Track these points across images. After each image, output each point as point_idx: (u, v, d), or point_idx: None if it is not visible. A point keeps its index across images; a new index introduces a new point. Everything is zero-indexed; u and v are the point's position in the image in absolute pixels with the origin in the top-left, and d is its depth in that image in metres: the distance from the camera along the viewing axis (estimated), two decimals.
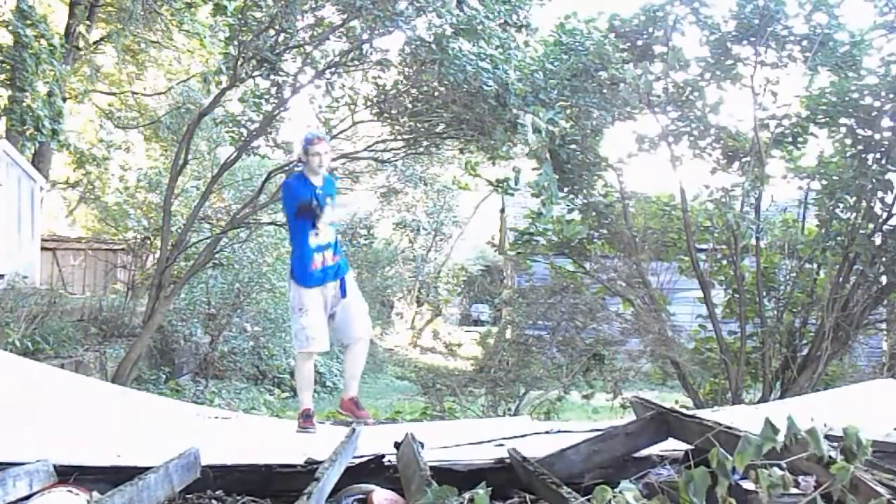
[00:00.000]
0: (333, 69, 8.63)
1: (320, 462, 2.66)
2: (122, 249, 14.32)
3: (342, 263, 4.72)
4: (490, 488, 2.16)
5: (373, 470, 2.81)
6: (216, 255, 9.68)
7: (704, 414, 4.17)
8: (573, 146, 7.72)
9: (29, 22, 8.15)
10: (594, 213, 8.17)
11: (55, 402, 3.99)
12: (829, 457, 1.91)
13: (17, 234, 11.51)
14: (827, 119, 7.25)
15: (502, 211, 19.38)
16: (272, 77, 8.46)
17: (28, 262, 11.74)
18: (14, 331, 7.48)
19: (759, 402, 7.01)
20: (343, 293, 4.63)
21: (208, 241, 9.51)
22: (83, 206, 20.17)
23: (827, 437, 2.57)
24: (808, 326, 7.66)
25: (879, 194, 7.13)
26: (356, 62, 8.65)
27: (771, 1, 6.95)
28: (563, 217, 8.46)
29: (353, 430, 3.18)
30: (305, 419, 4.49)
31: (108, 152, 17.86)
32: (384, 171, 15.34)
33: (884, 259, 7.19)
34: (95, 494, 2.37)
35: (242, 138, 8.99)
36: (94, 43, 14.50)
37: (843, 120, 7.22)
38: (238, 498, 2.66)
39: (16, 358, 5.04)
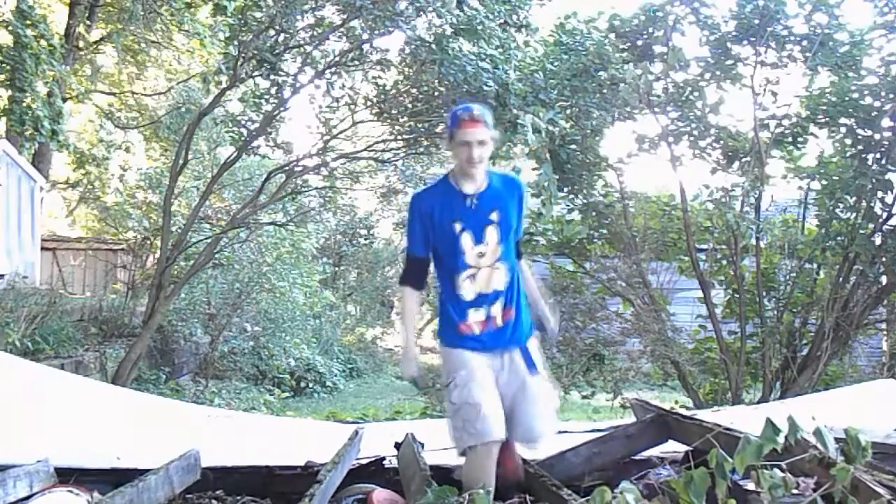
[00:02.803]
0: (333, 69, 8.63)
1: (321, 464, 2.67)
2: (122, 249, 14.32)
3: (523, 324, 2.79)
4: (490, 489, 2.16)
5: (373, 472, 2.81)
6: (216, 255, 9.68)
7: (704, 414, 4.18)
8: (573, 146, 7.72)
9: (29, 22, 8.13)
10: (594, 213, 8.17)
11: (55, 402, 3.99)
12: (830, 458, 1.92)
13: (17, 234, 11.51)
14: (827, 119, 7.25)
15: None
16: (272, 77, 8.46)
17: (28, 262, 11.75)
18: (14, 331, 7.47)
19: (759, 402, 7.01)
20: (532, 368, 2.73)
21: (208, 241, 9.51)
22: (83, 206, 20.16)
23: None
24: (808, 326, 7.66)
25: (879, 194, 7.13)
26: (356, 62, 8.66)
27: (771, 1, 6.94)
28: (563, 217, 8.46)
29: (356, 432, 3.18)
30: None
31: (108, 152, 17.85)
32: (384, 171, 15.32)
33: (884, 259, 7.19)
34: (96, 495, 2.38)
35: (242, 138, 8.99)
36: (94, 43, 14.50)
37: (843, 120, 7.22)
38: (238, 498, 2.67)
39: (16, 358, 5.03)
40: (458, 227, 2.71)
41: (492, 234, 2.72)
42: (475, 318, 2.72)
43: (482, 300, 2.72)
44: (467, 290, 2.72)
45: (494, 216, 2.73)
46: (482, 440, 2.51)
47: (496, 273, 2.73)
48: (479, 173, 2.73)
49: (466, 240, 2.71)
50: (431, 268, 2.91)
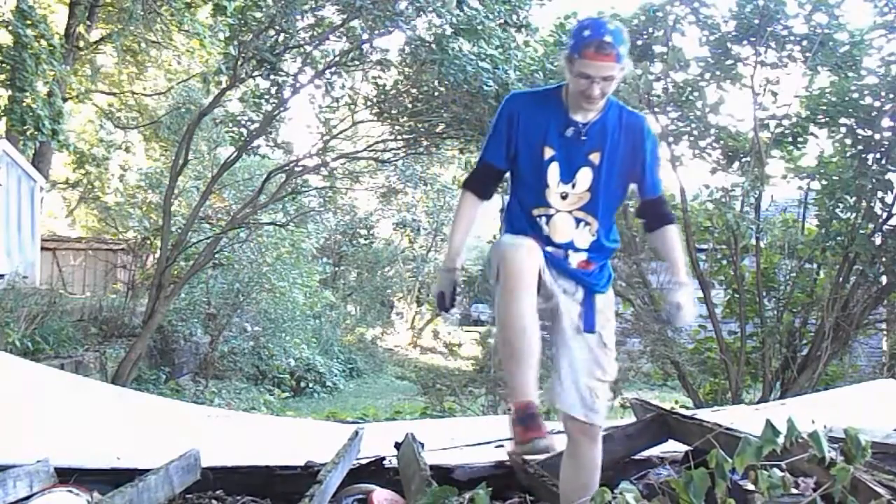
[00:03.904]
0: (333, 69, 8.64)
1: (321, 464, 2.67)
2: (122, 249, 14.32)
3: (598, 276, 2.28)
4: (490, 489, 2.16)
5: (373, 472, 2.81)
6: (216, 255, 9.69)
7: (704, 414, 4.17)
8: None
9: (29, 22, 8.13)
10: None
11: (55, 402, 3.99)
12: (830, 458, 1.92)
13: (17, 234, 11.51)
14: (827, 119, 7.25)
15: (502, 210, 19.37)
16: (272, 77, 8.47)
17: (28, 262, 11.74)
18: (14, 331, 7.47)
19: (759, 402, 7.01)
20: (588, 324, 2.22)
21: (208, 241, 9.52)
22: (83, 206, 20.16)
23: (827, 437, 2.57)
24: (808, 326, 7.67)
25: (879, 194, 7.13)
26: (356, 62, 8.67)
27: (771, 1, 6.95)
28: None
29: (356, 432, 3.18)
30: (527, 423, 1.98)
31: (108, 152, 17.86)
32: (384, 171, 15.34)
33: (884, 259, 7.19)
34: (96, 495, 2.38)
35: (242, 138, 9.00)
36: (94, 43, 14.49)
37: (843, 120, 7.22)
38: (238, 498, 2.67)
39: (16, 358, 5.04)
40: (547, 152, 2.19)
41: (584, 176, 2.18)
42: (549, 248, 2.19)
43: (558, 248, 2.21)
44: (545, 227, 2.22)
45: (595, 157, 2.18)
46: (507, 254, 2.05)
47: (580, 226, 2.21)
48: (594, 108, 2.18)
49: (553, 172, 2.19)
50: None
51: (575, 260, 2.23)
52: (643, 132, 2.26)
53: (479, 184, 2.32)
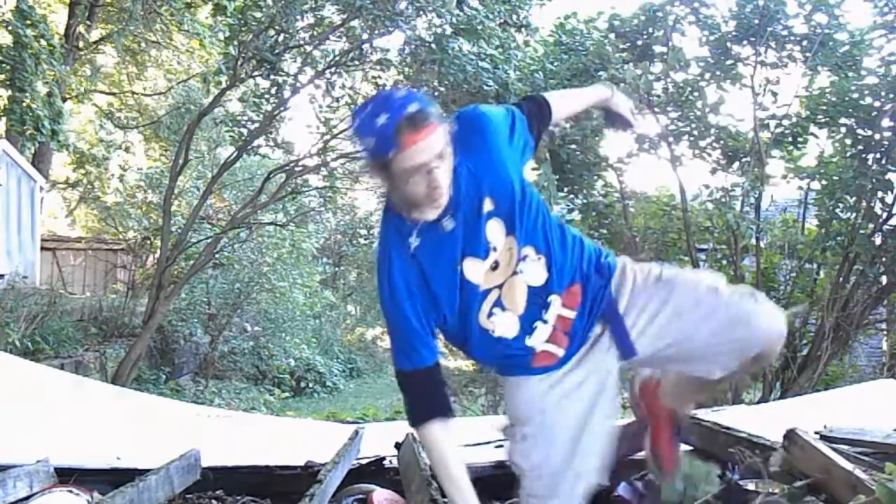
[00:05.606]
0: (333, 69, 8.63)
1: (321, 464, 2.67)
2: (122, 249, 14.32)
3: (594, 269, 1.83)
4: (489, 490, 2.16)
5: (373, 471, 2.82)
6: (216, 255, 9.69)
7: (704, 414, 4.18)
8: (573, 146, 7.72)
9: (29, 22, 8.13)
10: (594, 213, 8.18)
11: (55, 402, 3.99)
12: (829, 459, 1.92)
13: (17, 234, 11.51)
14: (827, 119, 7.25)
15: None
16: (272, 77, 8.47)
17: (28, 262, 11.74)
18: (14, 331, 7.47)
19: (759, 402, 7.01)
20: (623, 345, 1.87)
21: (208, 241, 9.52)
22: (83, 206, 20.15)
23: (826, 437, 2.58)
24: (808, 326, 7.66)
25: (879, 194, 7.13)
26: (356, 62, 8.66)
27: (771, 1, 6.95)
28: (564, 217, 8.47)
29: (356, 432, 3.18)
30: None
31: (108, 152, 17.86)
32: None
33: (884, 259, 7.19)
34: (96, 495, 2.38)
35: (242, 138, 8.99)
36: (94, 43, 14.50)
37: (843, 120, 7.22)
38: (238, 498, 2.67)
39: (16, 358, 5.03)
40: (459, 266, 1.73)
41: (495, 229, 1.72)
42: (540, 341, 1.76)
43: (531, 316, 1.75)
44: (504, 324, 1.75)
45: (488, 204, 1.72)
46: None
47: (533, 264, 1.73)
48: (436, 204, 1.67)
49: (471, 267, 1.73)
50: None
51: (554, 316, 1.76)
52: (481, 124, 1.76)
53: (432, 402, 1.75)
